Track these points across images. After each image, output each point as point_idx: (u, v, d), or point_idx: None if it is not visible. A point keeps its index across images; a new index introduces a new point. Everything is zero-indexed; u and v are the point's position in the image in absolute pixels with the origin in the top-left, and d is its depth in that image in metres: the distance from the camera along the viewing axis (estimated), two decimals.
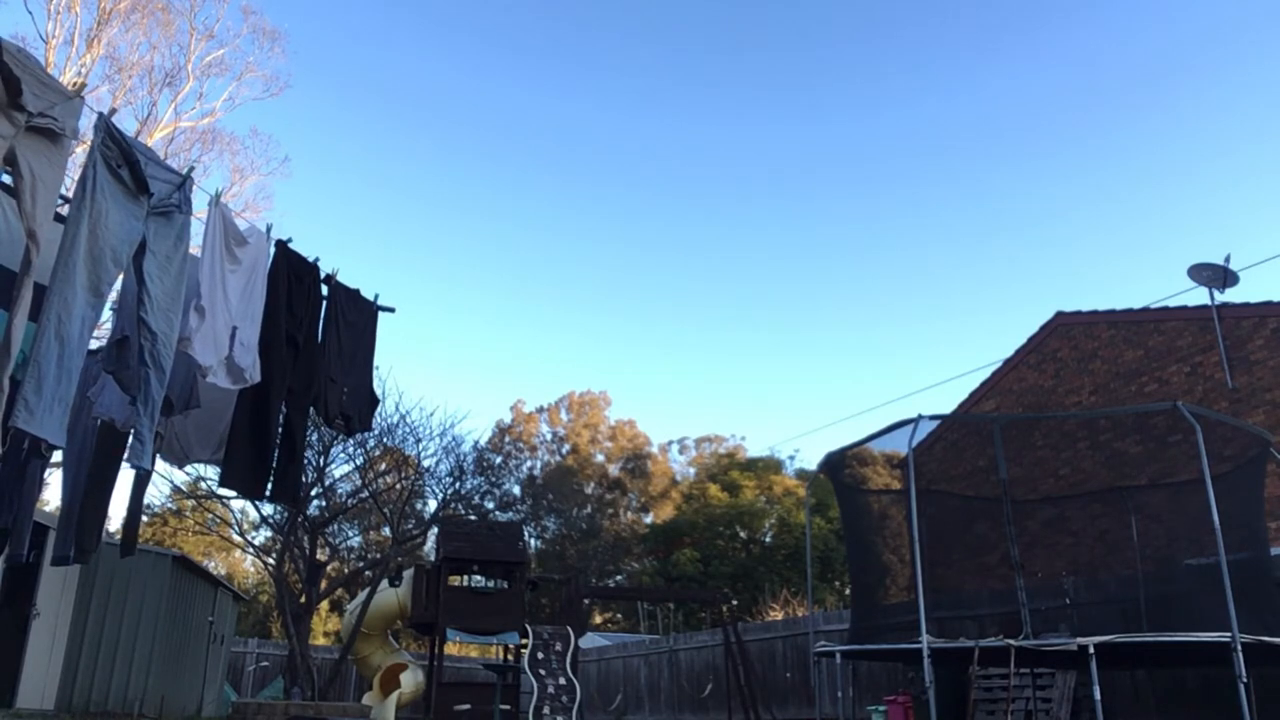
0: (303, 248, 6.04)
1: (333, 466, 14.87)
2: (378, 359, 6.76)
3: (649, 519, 37.79)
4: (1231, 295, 11.42)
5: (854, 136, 54.26)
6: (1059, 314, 13.90)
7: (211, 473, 13.15)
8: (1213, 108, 45.46)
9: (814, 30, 52.05)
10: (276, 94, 21.84)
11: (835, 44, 52.73)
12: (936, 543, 11.25)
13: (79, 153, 8.39)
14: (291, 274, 5.92)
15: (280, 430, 5.94)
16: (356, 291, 6.56)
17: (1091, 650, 7.05)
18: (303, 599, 13.59)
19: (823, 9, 51.24)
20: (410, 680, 12.73)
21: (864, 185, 55.72)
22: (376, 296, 6.72)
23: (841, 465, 10.60)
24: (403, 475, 16.10)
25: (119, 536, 8.58)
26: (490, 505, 21.57)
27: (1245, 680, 6.52)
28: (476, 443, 19.80)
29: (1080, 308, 13.70)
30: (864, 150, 54.91)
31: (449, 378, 55.97)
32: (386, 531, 18.15)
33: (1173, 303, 12.44)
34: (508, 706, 10.74)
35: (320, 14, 41.53)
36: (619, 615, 33.61)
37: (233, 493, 10.44)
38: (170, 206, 4.77)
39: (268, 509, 14.30)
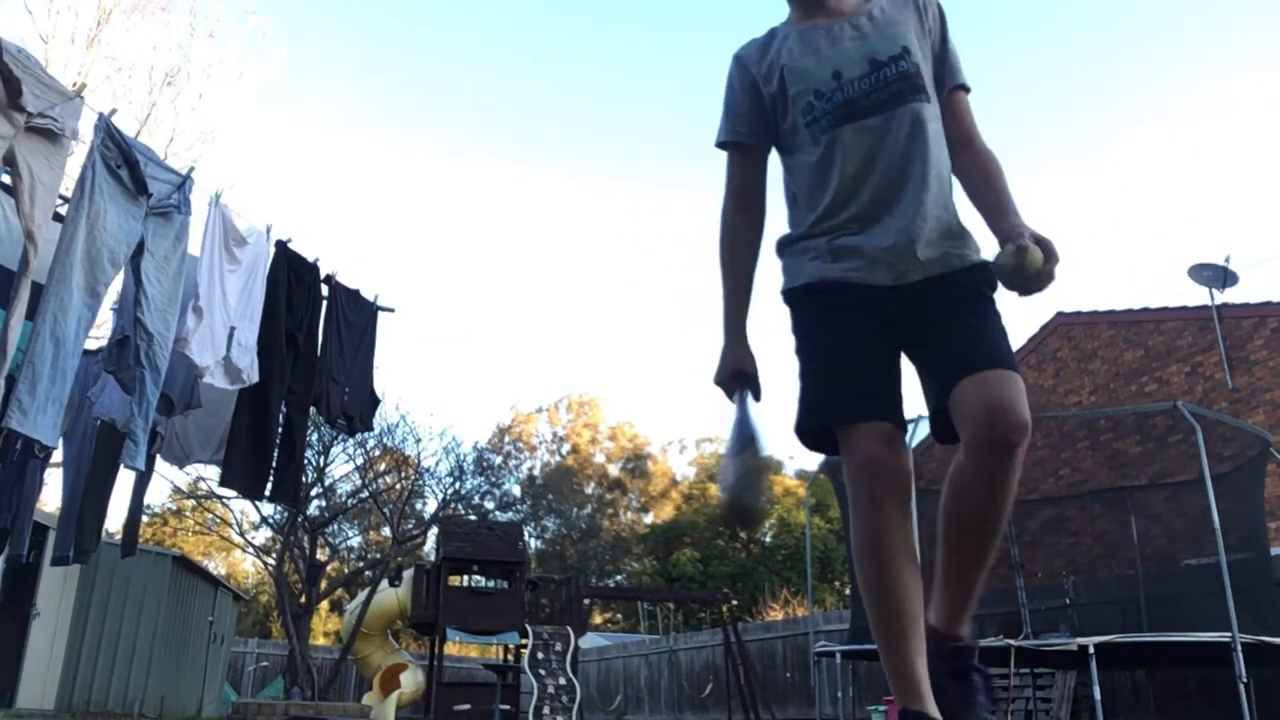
0: (303, 247, 6.05)
1: (332, 466, 14.92)
2: (378, 359, 6.76)
3: (649, 519, 37.79)
4: (1231, 295, 11.41)
5: None
6: (1059, 314, 13.89)
7: (211, 473, 13.15)
8: (1213, 107, 45.53)
9: None
10: (276, 93, 21.81)
11: None
12: (936, 543, 11.21)
13: (79, 152, 8.38)
14: (291, 274, 5.92)
15: (280, 430, 5.95)
16: (357, 291, 6.55)
17: (1091, 650, 7.05)
18: (303, 599, 13.61)
19: None
20: (410, 680, 12.72)
21: None
22: (377, 297, 6.71)
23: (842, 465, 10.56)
24: (403, 475, 16.13)
25: (119, 536, 8.57)
26: (490, 505, 21.60)
27: (1245, 680, 6.51)
28: (476, 443, 19.83)
29: (1080, 308, 13.70)
30: None
31: (449, 378, 55.96)
32: (386, 531, 18.15)
33: (1173, 303, 12.45)
34: (508, 706, 10.75)
35: (320, 14, 41.54)
36: (619, 615, 33.58)
37: (233, 492, 10.47)
38: (169, 207, 4.76)
39: (268, 509, 14.34)
